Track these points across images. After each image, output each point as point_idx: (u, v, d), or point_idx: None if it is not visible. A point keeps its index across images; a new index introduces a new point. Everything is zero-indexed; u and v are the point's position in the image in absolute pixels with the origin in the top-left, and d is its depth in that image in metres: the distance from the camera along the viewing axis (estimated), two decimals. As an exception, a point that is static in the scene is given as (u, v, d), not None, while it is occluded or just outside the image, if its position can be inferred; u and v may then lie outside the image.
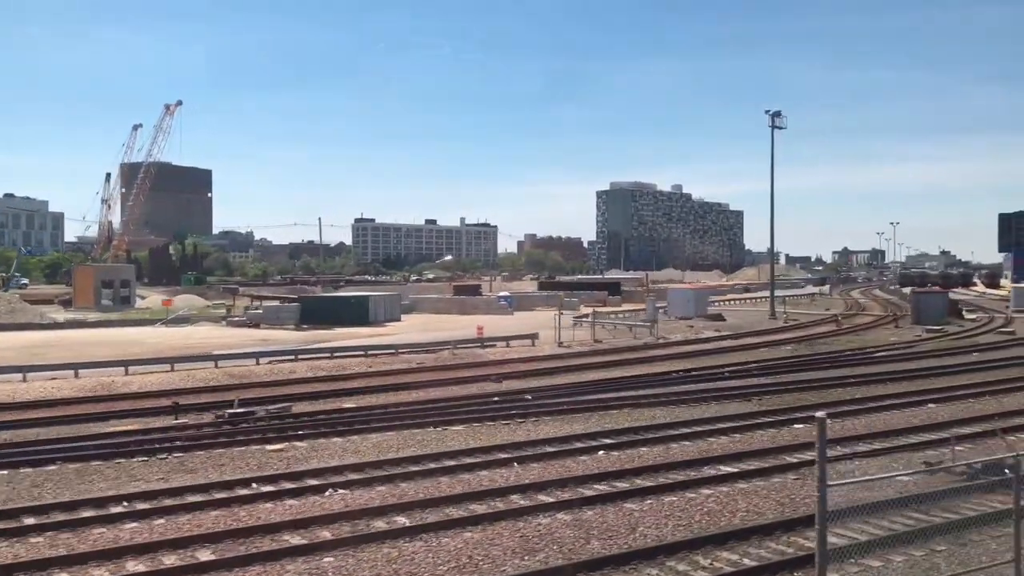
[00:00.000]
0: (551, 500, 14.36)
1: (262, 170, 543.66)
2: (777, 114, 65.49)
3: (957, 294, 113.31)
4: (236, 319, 59.48)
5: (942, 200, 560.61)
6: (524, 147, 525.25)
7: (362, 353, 36.42)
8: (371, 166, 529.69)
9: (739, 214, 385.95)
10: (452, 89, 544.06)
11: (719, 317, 61.13)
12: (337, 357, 35.62)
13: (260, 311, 59.48)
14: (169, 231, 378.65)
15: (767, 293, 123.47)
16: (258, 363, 33.39)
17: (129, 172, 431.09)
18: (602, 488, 15.22)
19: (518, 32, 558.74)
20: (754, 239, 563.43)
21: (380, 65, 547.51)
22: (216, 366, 32.64)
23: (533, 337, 42.48)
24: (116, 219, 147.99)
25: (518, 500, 14.49)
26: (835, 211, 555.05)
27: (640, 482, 15.68)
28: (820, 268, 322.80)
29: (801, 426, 21.44)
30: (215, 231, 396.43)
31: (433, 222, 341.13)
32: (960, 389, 27.32)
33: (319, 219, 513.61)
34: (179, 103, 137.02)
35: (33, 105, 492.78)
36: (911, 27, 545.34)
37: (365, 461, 17.36)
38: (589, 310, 73.32)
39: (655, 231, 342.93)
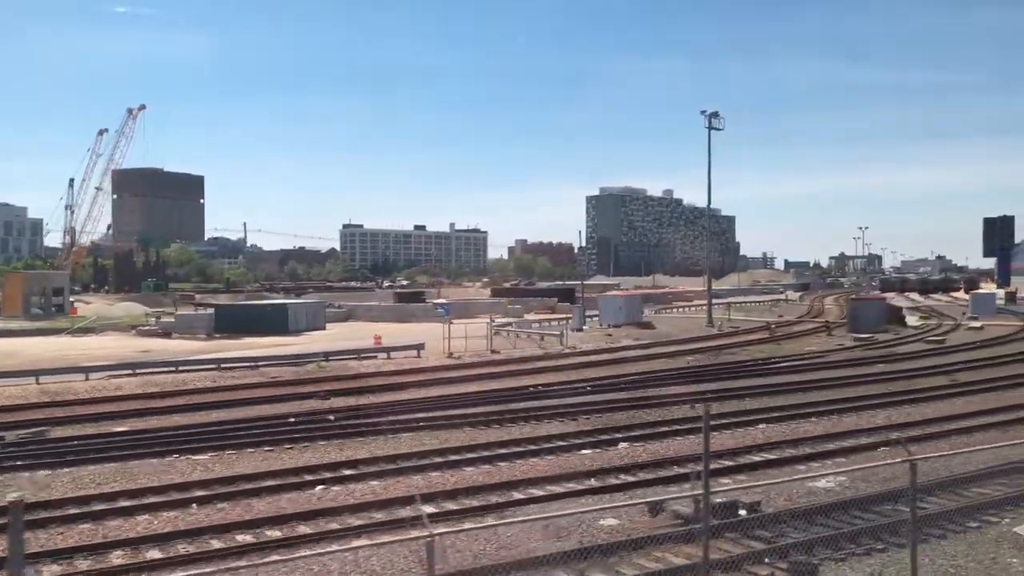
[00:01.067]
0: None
1: (256, 176, 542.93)
2: (714, 115, 63.39)
3: (934, 299, 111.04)
4: (147, 328, 57.44)
5: (940, 205, 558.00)
6: (519, 152, 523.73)
7: (214, 367, 34.14)
8: (369, 173, 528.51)
9: (731, 219, 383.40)
10: (453, 96, 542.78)
11: (649, 325, 58.95)
12: (183, 371, 33.42)
13: (173, 320, 57.43)
14: (159, 237, 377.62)
15: (739, 299, 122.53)
16: (87, 378, 31.24)
17: (120, 178, 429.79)
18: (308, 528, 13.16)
19: (515, 37, 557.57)
20: (750, 245, 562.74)
21: (380, 69, 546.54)
22: (37, 382, 30.46)
23: (419, 347, 40.31)
24: (80, 225, 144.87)
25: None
26: (834, 216, 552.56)
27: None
28: (808, 273, 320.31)
29: (590, 451, 19.35)
30: (208, 237, 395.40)
31: (422, 228, 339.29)
32: (813, 406, 25.29)
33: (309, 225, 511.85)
34: (142, 107, 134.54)
35: (10, 106, 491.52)
36: (911, 29, 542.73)
37: (36, 500, 15.19)
38: (536, 317, 71.54)
39: (645, 236, 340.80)
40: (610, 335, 52.70)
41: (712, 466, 17.71)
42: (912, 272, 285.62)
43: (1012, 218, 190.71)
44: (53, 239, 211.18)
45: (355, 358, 38.15)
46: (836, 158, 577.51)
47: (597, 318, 63.12)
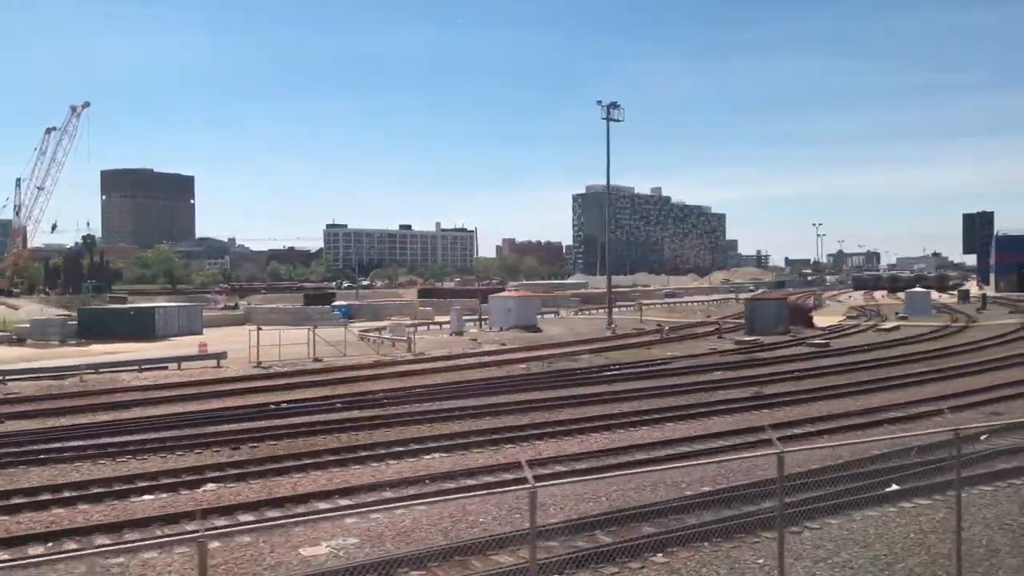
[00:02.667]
0: None
1: (248, 177, 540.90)
2: (614, 105, 59.85)
3: (897, 298, 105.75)
4: (2, 335, 54.13)
5: (939, 203, 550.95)
6: (511, 154, 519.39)
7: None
8: (362, 173, 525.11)
9: (721, 217, 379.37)
10: (449, 85, 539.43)
11: (536, 328, 55.40)
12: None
13: (27, 326, 54.15)
14: (150, 238, 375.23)
15: (697, 298, 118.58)
16: None
17: (109, 179, 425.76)
18: None
19: (507, 37, 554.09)
20: (748, 244, 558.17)
21: (373, 71, 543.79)
22: None
23: (220, 356, 36.82)
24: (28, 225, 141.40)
25: None
26: (838, 214, 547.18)
27: None
28: (804, 272, 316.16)
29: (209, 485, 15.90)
30: (197, 237, 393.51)
31: (408, 227, 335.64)
32: (563, 424, 22.42)
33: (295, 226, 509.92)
34: (86, 104, 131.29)
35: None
36: (911, 30, 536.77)
37: None
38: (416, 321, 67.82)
39: (633, 234, 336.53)
40: (476, 340, 49.24)
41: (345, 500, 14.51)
42: (907, 270, 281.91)
43: (991, 214, 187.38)
44: (39, 240, 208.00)
45: (136, 370, 34.61)
46: (838, 157, 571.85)
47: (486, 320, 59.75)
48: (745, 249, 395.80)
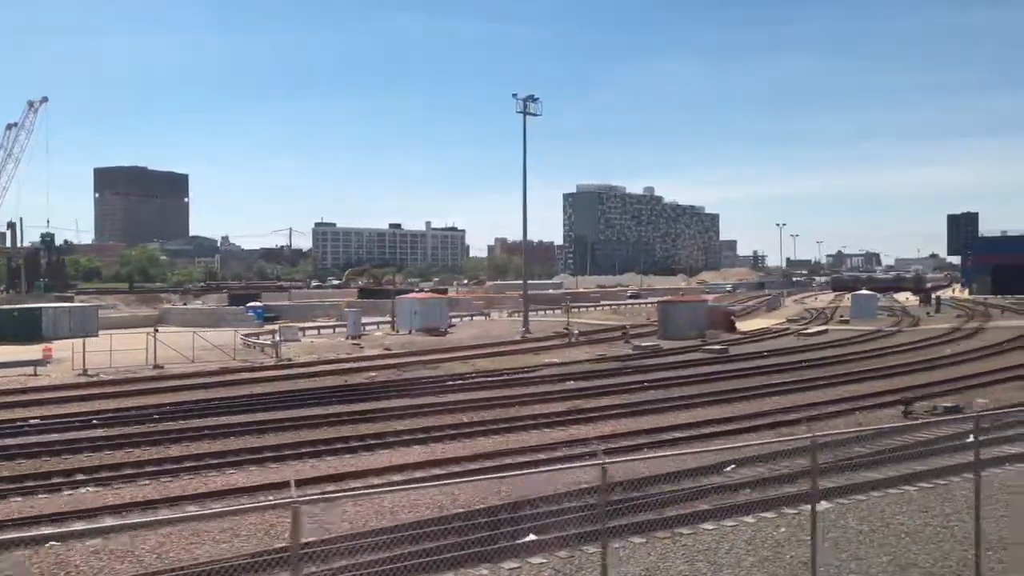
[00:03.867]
0: None
1: (244, 175, 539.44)
2: (531, 99, 57.11)
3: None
4: None
5: (940, 203, 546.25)
6: (503, 152, 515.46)
7: None
8: (361, 173, 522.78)
9: (715, 217, 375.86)
10: (436, 93, 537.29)
11: (440, 332, 52.80)
12: None
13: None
14: (142, 236, 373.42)
15: (661, 299, 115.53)
16: None
17: (102, 177, 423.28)
18: None
19: (501, 38, 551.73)
20: (751, 245, 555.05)
21: (380, 74, 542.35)
22: None
23: (37, 364, 34.25)
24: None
25: None
26: (842, 213, 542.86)
27: None
28: (801, 272, 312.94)
29: None
30: (189, 235, 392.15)
31: (397, 226, 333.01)
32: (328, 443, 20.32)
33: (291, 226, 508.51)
34: (44, 100, 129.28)
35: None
36: (912, 30, 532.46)
37: None
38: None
39: (623, 234, 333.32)
40: (360, 345, 46.70)
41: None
42: (904, 271, 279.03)
43: (975, 215, 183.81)
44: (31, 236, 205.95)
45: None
46: (843, 156, 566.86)
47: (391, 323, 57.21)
48: (746, 250, 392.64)
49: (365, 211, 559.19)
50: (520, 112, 56.75)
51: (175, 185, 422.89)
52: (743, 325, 59.46)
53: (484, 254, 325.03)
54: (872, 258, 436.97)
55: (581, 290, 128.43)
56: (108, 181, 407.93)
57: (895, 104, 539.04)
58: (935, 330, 54.03)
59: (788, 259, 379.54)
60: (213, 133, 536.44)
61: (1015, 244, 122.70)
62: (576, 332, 51.07)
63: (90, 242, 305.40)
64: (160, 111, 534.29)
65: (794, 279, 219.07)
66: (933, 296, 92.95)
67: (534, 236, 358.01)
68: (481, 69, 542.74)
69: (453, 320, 60.89)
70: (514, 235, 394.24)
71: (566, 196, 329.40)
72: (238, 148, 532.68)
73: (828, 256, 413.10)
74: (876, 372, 33.09)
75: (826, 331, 56.01)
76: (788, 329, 58.69)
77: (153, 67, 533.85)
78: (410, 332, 54.03)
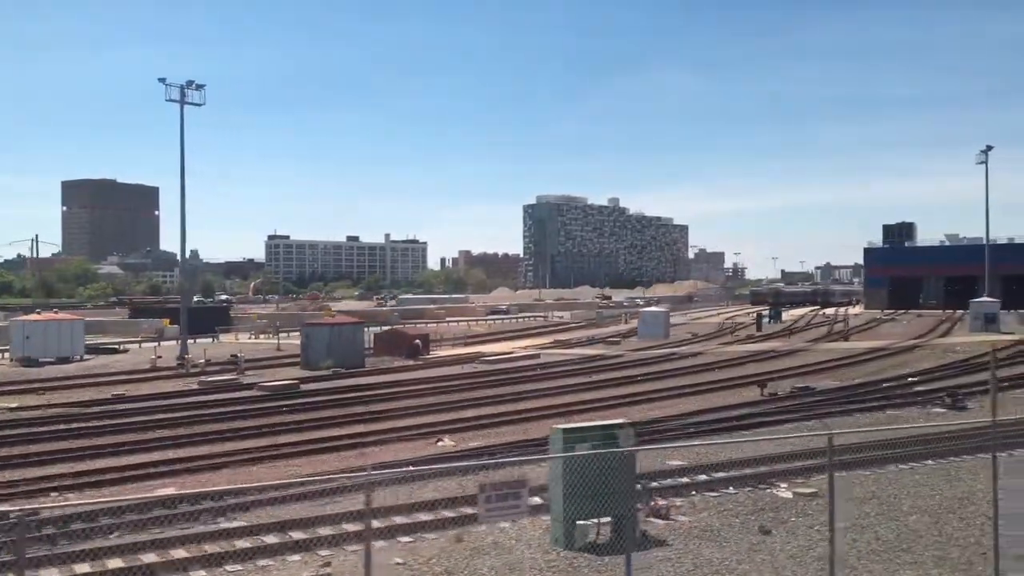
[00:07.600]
0: None
1: (217, 189, 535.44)
2: (190, 84, 49.68)
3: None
4: None
5: (946, 213, 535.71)
6: (467, 166, 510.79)
7: None
8: (362, 186, 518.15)
9: (683, 228, 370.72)
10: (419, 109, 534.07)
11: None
12: None
13: None
14: (107, 249, 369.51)
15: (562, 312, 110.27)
16: None
17: (69, 189, 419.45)
18: None
19: (469, 51, 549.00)
20: (746, 257, 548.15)
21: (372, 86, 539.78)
22: None
23: None
24: None
25: None
26: (838, 225, 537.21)
27: None
28: (798, 284, 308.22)
29: None
30: (149, 249, 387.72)
31: (355, 239, 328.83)
32: None
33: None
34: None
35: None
36: (912, 40, 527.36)
37: None
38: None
39: (584, 246, 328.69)
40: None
41: None
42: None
43: (912, 225, 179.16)
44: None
45: None
46: (841, 168, 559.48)
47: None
48: (740, 261, 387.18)
49: (351, 224, 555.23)
50: (170, 100, 50.01)
51: (145, 198, 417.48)
52: (494, 347, 54.76)
53: (440, 267, 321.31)
54: (860, 269, 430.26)
55: (472, 305, 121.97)
56: (75, 194, 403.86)
57: (896, 115, 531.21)
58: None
59: (783, 270, 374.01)
60: (187, 146, 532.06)
61: (910, 255, 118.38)
62: (243, 359, 44.22)
63: (50, 255, 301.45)
64: (130, 124, 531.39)
65: (736, 292, 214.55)
66: (781, 312, 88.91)
67: (500, 248, 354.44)
68: (447, 79, 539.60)
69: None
70: (482, 247, 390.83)
71: (526, 208, 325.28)
72: (210, 161, 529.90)
73: (817, 267, 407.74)
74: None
75: (539, 355, 49.63)
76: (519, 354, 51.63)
77: (127, 79, 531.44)
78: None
